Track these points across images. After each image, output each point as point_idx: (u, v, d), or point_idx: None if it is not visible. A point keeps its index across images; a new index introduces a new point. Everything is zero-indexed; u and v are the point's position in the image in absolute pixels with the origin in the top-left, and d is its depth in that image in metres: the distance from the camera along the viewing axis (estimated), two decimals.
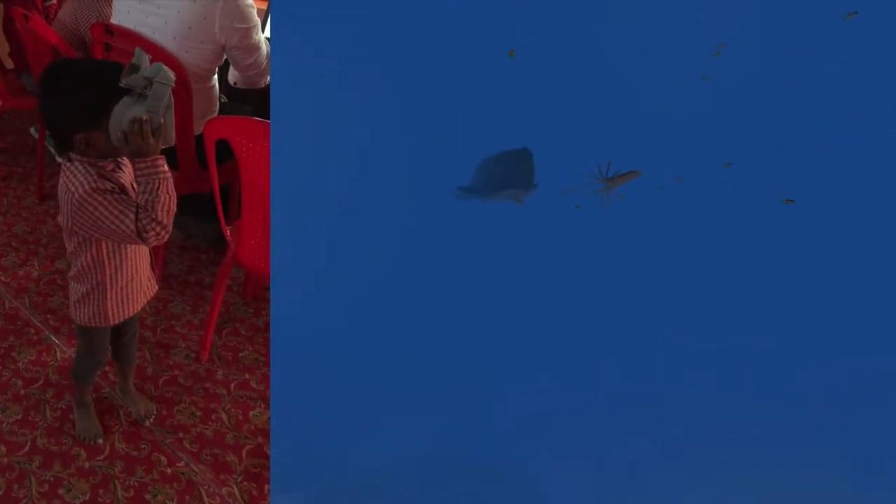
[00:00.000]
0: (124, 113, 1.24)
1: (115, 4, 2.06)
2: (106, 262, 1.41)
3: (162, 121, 1.24)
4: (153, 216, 1.26)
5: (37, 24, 2.25)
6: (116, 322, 1.51)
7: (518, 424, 2.22)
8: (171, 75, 1.27)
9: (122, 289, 1.48)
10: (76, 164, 1.30)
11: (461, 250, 2.13)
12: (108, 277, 1.43)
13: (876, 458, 1.83)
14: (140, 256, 1.48)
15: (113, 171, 1.33)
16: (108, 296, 1.46)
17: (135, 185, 1.33)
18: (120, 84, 1.22)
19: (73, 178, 1.29)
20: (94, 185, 1.27)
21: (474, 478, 2.17)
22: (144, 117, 1.22)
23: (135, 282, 1.49)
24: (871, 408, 1.82)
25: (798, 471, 1.87)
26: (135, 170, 1.27)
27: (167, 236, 1.30)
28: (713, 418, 1.95)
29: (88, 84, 1.26)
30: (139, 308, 1.54)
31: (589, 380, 2.10)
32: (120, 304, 1.49)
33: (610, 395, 2.05)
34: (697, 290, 1.98)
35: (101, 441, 1.67)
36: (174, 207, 1.30)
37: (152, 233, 1.27)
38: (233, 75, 2.10)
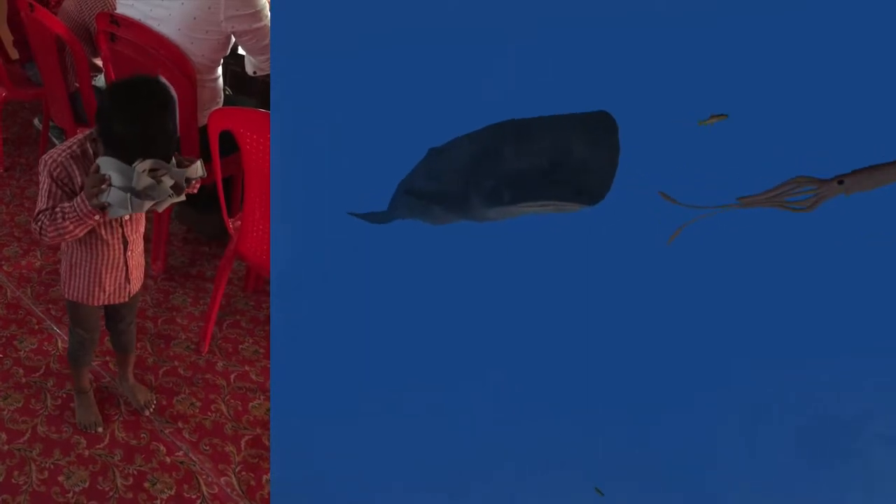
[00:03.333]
0: (107, 163, 1.26)
1: None
2: None
3: (107, 205, 1.27)
4: (46, 227, 1.32)
5: (41, 13, 2.25)
6: (69, 297, 1.53)
7: (516, 424, 2.21)
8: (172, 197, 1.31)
9: (70, 265, 1.49)
10: (78, 138, 1.36)
11: (463, 241, 2.08)
12: (65, 243, 1.48)
13: None
14: (101, 258, 1.48)
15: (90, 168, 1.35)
16: (63, 262, 1.51)
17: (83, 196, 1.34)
18: (133, 164, 1.23)
19: (66, 142, 1.35)
20: (54, 163, 1.32)
21: (472, 474, 2.17)
22: (104, 185, 1.25)
23: (88, 272, 1.49)
24: None
25: None
26: (80, 195, 1.30)
27: (40, 240, 1.36)
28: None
29: (143, 122, 1.27)
30: (95, 302, 1.54)
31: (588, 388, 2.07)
32: (69, 280, 1.51)
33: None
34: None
35: (100, 429, 1.68)
36: (65, 238, 1.35)
37: (35, 227, 1.34)
38: (250, 64, 2.07)
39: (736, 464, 1.74)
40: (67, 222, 1.31)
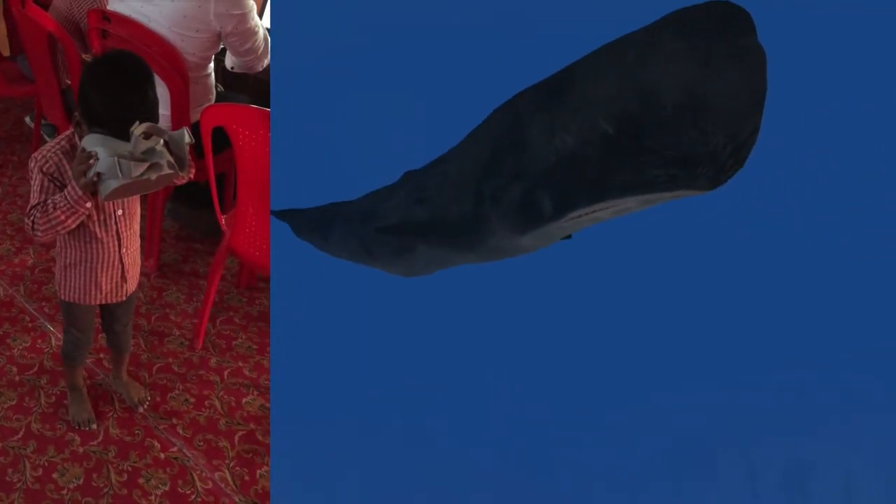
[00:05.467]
0: (91, 140, 1.24)
1: None
2: None
3: (96, 179, 1.24)
4: (38, 221, 1.32)
5: (33, 10, 2.25)
6: (65, 297, 1.53)
7: (514, 425, 2.22)
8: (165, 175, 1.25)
9: (65, 266, 1.49)
10: (67, 133, 1.36)
11: None
12: (59, 242, 1.48)
13: None
14: (95, 257, 1.48)
15: None
16: (58, 263, 1.51)
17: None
18: (131, 129, 1.21)
19: (53, 141, 1.36)
20: (44, 158, 1.32)
21: (470, 472, 2.18)
22: (91, 161, 1.23)
23: (84, 272, 1.49)
24: None
25: None
26: (70, 184, 1.30)
27: (34, 236, 1.35)
28: None
29: (122, 92, 1.26)
30: (92, 302, 1.54)
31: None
32: (64, 281, 1.51)
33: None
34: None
35: (93, 426, 1.69)
36: (58, 231, 1.34)
37: (27, 222, 1.33)
38: (230, 60, 2.10)
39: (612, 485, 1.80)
40: (59, 212, 1.31)
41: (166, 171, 1.25)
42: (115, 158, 1.21)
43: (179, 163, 1.28)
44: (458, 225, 1.12)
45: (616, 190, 0.85)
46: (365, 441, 2.14)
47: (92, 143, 1.25)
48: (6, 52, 3.03)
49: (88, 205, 1.32)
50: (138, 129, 1.21)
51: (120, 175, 1.21)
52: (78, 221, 1.36)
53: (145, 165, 1.22)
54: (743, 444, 1.79)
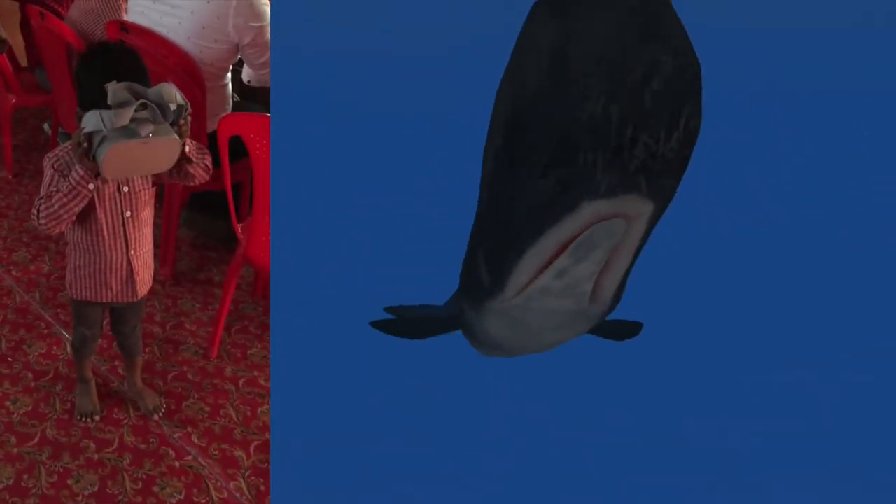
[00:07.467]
0: (87, 117, 1.24)
1: (129, 5, 2.09)
2: (72, 228, 1.46)
3: (85, 145, 1.24)
4: (41, 208, 1.34)
5: (52, 22, 2.28)
6: (76, 297, 1.55)
7: (515, 438, 2.20)
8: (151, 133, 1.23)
9: (75, 268, 1.52)
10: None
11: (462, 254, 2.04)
12: (69, 245, 1.50)
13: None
14: (103, 258, 1.49)
15: None
16: (68, 265, 1.53)
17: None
18: (105, 84, 1.20)
19: (68, 142, 1.37)
20: (55, 156, 1.36)
21: (469, 482, 2.16)
22: (84, 132, 1.23)
23: (92, 274, 1.51)
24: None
25: None
26: (74, 168, 1.32)
27: (38, 225, 1.36)
28: None
29: (110, 69, 1.28)
30: (102, 300, 1.55)
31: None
32: (75, 282, 1.53)
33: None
34: None
35: (97, 418, 1.71)
36: (62, 216, 1.35)
37: (33, 211, 1.36)
38: (246, 73, 2.12)
39: None
40: (60, 194, 1.33)
41: (155, 125, 1.22)
42: (98, 112, 1.21)
43: (163, 112, 1.24)
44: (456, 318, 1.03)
45: (532, 227, 0.69)
46: (365, 448, 2.13)
47: (87, 119, 1.25)
48: (24, 63, 3.07)
49: (91, 186, 1.33)
50: (112, 85, 1.20)
51: (104, 126, 1.21)
52: (81, 205, 1.36)
53: (129, 111, 1.19)
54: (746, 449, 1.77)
